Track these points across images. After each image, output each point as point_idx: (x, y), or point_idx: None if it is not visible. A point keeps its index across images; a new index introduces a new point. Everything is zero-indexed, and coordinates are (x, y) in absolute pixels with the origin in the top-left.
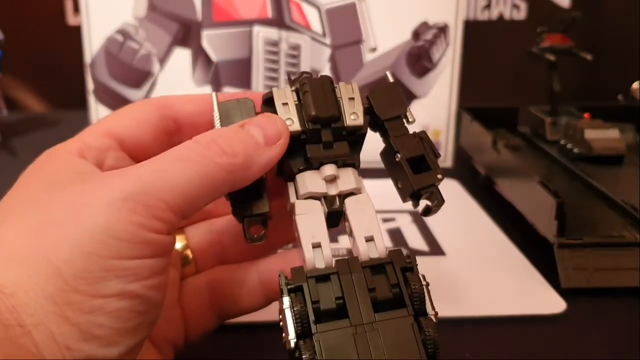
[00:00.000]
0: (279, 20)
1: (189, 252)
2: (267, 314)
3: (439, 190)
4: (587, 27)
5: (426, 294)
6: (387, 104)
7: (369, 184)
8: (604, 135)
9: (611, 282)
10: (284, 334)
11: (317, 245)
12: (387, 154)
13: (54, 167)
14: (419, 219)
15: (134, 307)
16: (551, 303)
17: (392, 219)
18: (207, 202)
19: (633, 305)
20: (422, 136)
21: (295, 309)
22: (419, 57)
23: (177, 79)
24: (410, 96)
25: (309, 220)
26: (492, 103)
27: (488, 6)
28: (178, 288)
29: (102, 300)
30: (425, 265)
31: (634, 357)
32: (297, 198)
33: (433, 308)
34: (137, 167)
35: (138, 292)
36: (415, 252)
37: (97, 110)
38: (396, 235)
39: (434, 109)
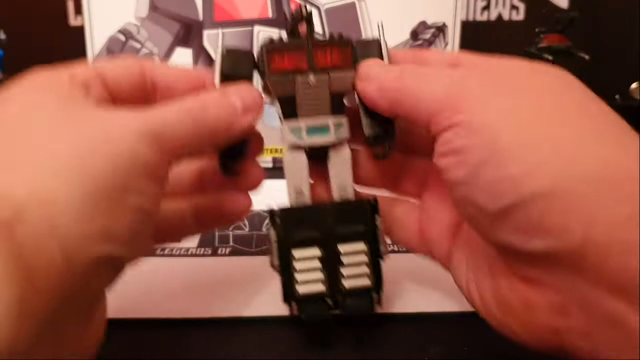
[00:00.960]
0: (280, 20)
1: None
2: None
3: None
4: (585, 27)
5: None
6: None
7: None
8: None
9: None
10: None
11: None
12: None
13: (59, 90)
14: None
15: (145, 219)
16: None
17: None
18: (195, 153)
19: None
20: None
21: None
22: None
23: None
24: None
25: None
26: None
27: (487, 7)
28: None
29: (124, 208)
30: (423, 262)
31: None
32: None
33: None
34: (155, 109)
35: (148, 205)
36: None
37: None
38: None
39: None
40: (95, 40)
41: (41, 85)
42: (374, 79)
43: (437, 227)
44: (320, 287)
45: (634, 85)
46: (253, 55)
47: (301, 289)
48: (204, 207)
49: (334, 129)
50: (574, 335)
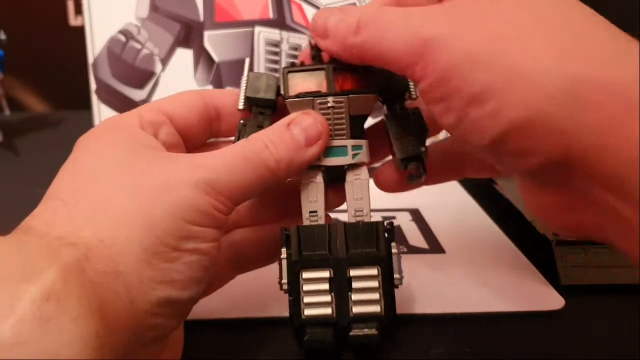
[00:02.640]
0: (280, 21)
1: None
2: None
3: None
4: None
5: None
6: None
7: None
8: None
9: (610, 279)
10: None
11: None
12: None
13: (126, 136)
14: (418, 217)
15: (202, 262)
16: (550, 300)
17: (393, 217)
18: (256, 194)
19: (631, 303)
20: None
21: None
22: None
23: (179, 79)
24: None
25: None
26: None
27: None
28: None
29: (181, 253)
30: (424, 263)
31: (632, 354)
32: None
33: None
34: (209, 157)
35: (206, 249)
36: (415, 250)
37: (100, 110)
38: (396, 232)
39: None
40: (96, 40)
41: (110, 134)
42: (333, 37)
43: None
44: (327, 311)
45: None
46: (277, 79)
47: (307, 311)
48: (276, 235)
49: (352, 151)
50: (590, 227)
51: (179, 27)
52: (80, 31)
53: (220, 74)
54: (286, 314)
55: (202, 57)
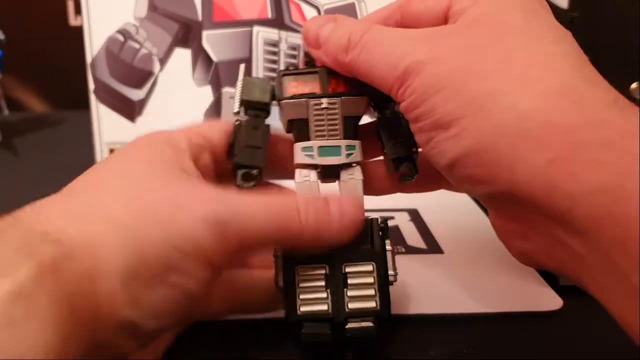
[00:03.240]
0: (279, 21)
1: None
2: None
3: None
4: (585, 27)
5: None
6: None
7: None
8: None
9: None
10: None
11: None
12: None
13: (162, 155)
14: (417, 217)
15: (183, 299)
16: (548, 300)
17: (392, 217)
18: (268, 249)
19: None
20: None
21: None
22: None
23: (177, 79)
24: None
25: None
26: None
27: None
28: None
29: (163, 283)
30: (423, 263)
31: (630, 354)
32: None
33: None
34: (233, 196)
35: (189, 288)
36: (414, 250)
37: (98, 110)
38: (394, 232)
39: None
40: (94, 40)
41: (150, 146)
42: (324, 50)
43: None
44: (323, 307)
45: (634, 85)
46: (271, 83)
47: (303, 308)
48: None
49: (345, 151)
50: (543, 255)
51: (178, 26)
52: (79, 31)
53: (218, 73)
54: (282, 313)
55: (201, 56)
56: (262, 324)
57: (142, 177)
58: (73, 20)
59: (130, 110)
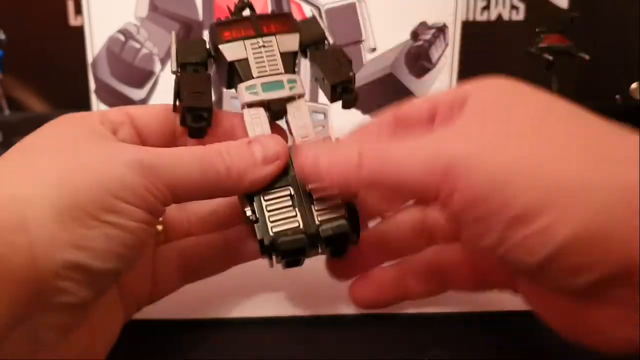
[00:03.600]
0: None
1: (159, 224)
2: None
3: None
4: (586, 27)
5: None
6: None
7: None
8: None
9: None
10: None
11: None
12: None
13: (80, 125)
14: None
15: (124, 238)
16: None
17: None
18: (201, 197)
19: None
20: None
21: None
22: (418, 57)
23: None
24: (410, 96)
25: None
26: None
27: (487, 7)
28: (151, 252)
29: (101, 223)
30: None
31: (632, 353)
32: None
33: None
34: (162, 148)
35: (130, 228)
36: None
37: (99, 110)
38: None
39: None
40: (95, 40)
41: (71, 120)
42: (329, 176)
43: (488, 265)
44: (294, 224)
45: (634, 85)
46: (205, 42)
47: (275, 228)
48: (226, 243)
49: (288, 84)
50: None
51: (179, 26)
52: (80, 31)
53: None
54: (282, 312)
55: None
56: (277, 324)
57: (72, 142)
58: (73, 20)
59: None
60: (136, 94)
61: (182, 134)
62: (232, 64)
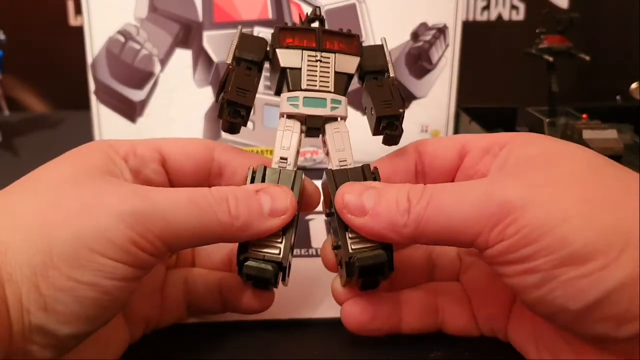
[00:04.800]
0: (280, 21)
1: None
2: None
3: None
4: (586, 27)
5: None
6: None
7: None
8: (602, 136)
9: None
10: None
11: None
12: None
13: (90, 159)
14: None
15: (100, 300)
16: None
17: None
18: (199, 244)
19: None
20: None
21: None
22: (418, 58)
23: (178, 79)
24: (410, 97)
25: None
26: (490, 103)
27: (487, 7)
28: (162, 277)
29: (74, 283)
30: None
31: None
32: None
33: None
34: (154, 191)
35: (108, 288)
36: None
37: (99, 111)
38: None
39: (433, 110)
40: (95, 41)
41: (79, 154)
42: (375, 216)
43: (491, 308)
44: (274, 251)
45: (634, 85)
46: (266, 42)
47: (253, 249)
48: (230, 292)
49: (331, 104)
50: None
51: (178, 27)
52: (80, 31)
53: (219, 74)
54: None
55: (201, 57)
56: (288, 326)
57: (58, 183)
58: (73, 20)
59: (130, 110)
60: (136, 94)
61: (217, 175)
62: (284, 70)
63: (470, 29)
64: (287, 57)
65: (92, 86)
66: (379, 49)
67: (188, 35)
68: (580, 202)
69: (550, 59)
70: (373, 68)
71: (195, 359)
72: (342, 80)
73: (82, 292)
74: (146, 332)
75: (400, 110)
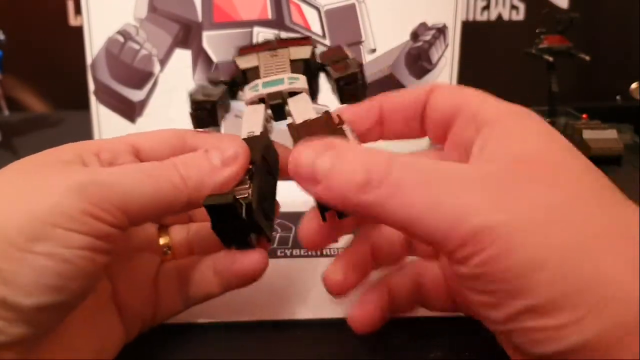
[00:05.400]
0: (279, 22)
1: (169, 245)
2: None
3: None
4: (586, 27)
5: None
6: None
7: None
8: (602, 136)
9: None
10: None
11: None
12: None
13: (59, 155)
14: None
15: (60, 269)
16: None
17: None
18: (161, 213)
19: None
20: (341, 49)
21: None
22: (418, 58)
23: (177, 79)
24: None
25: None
26: None
27: (487, 7)
28: (155, 271)
29: (32, 255)
30: None
31: None
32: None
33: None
34: (106, 168)
35: (67, 256)
36: None
37: (98, 111)
38: None
39: None
40: (94, 41)
41: (60, 150)
42: (327, 187)
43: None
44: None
45: (634, 85)
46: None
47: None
48: (222, 265)
49: (288, 80)
50: None
51: (178, 27)
52: (79, 31)
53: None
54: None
55: (201, 57)
56: (288, 326)
57: (16, 171)
58: (73, 20)
59: (130, 111)
60: (135, 95)
61: None
62: (244, 72)
63: (470, 29)
64: (244, 61)
65: (91, 87)
66: (339, 49)
67: (188, 35)
68: (569, 247)
69: (550, 59)
70: (330, 59)
71: (195, 359)
72: (298, 65)
73: (41, 262)
74: (143, 330)
75: (357, 70)
